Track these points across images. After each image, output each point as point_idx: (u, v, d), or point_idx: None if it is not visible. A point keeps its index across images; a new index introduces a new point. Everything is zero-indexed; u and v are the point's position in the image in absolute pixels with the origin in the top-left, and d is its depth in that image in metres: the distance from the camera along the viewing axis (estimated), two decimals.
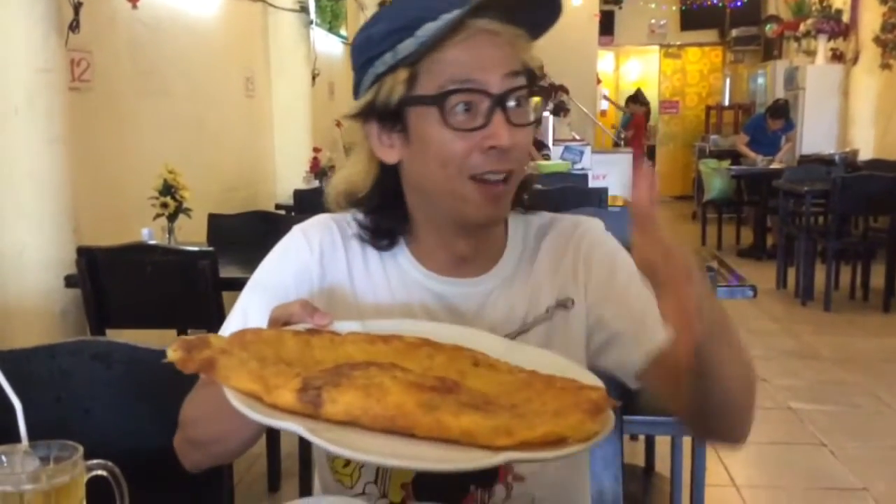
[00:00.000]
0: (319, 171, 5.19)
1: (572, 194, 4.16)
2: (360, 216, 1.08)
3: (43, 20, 2.66)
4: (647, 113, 14.43)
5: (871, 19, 7.97)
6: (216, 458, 1.04)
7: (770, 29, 10.47)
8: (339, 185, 1.08)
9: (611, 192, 4.64)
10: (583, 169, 6.77)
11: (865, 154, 7.97)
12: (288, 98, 5.59)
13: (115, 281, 2.63)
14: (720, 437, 1.01)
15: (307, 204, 4.35)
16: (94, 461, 0.87)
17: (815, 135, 8.59)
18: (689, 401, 0.90)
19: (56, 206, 2.75)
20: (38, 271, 2.74)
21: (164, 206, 3.08)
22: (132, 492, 0.90)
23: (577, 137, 9.38)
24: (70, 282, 2.72)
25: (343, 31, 6.89)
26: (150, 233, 3.02)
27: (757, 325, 5.42)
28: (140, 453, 1.11)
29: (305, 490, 2.63)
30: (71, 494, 0.83)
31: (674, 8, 13.59)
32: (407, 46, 0.95)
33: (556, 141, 8.38)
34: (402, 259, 1.08)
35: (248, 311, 1.06)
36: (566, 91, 10.03)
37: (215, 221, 3.57)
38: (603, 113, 13.21)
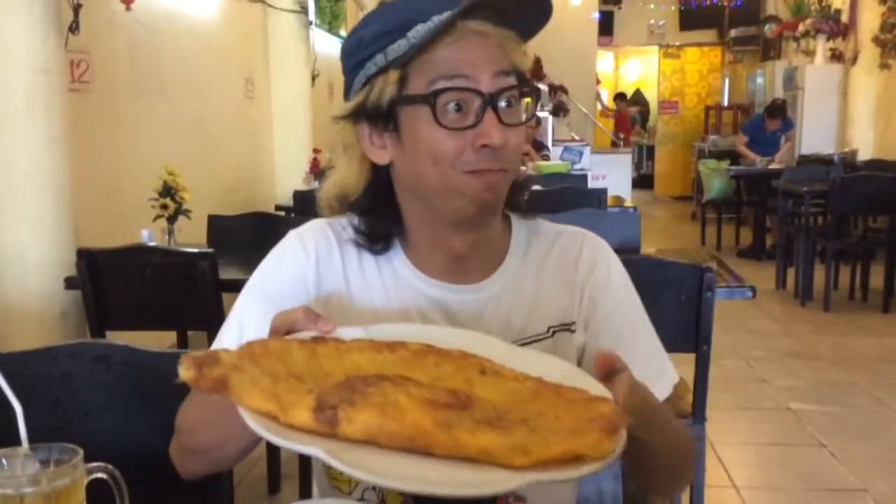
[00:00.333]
0: (319, 171, 5.19)
1: (571, 195, 4.16)
2: (356, 220, 1.08)
3: (42, 21, 2.66)
4: (646, 112, 14.50)
5: (869, 19, 7.97)
6: (214, 466, 1.04)
7: (769, 29, 10.47)
8: (330, 189, 1.08)
9: (610, 193, 4.64)
10: (582, 169, 6.78)
11: (864, 154, 7.97)
12: (287, 99, 5.59)
13: (115, 283, 2.63)
14: (656, 492, 1.12)
15: (307, 205, 4.35)
16: (95, 464, 0.88)
17: (814, 135, 8.59)
18: (630, 460, 0.98)
19: (56, 207, 2.76)
20: (38, 273, 2.74)
21: (164, 207, 3.08)
22: (132, 494, 0.90)
23: (577, 138, 9.39)
24: (70, 283, 2.72)
25: (343, 32, 6.89)
26: (149, 234, 3.02)
27: (756, 325, 5.42)
28: (140, 456, 1.11)
29: (305, 493, 2.63)
30: (71, 497, 0.83)
31: (673, 8, 13.61)
32: (398, 48, 0.96)
33: (555, 141, 8.39)
34: (398, 263, 1.08)
35: (243, 317, 1.06)
36: (565, 91, 10.04)
37: (215, 223, 3.57)
38: (602, 113, 13.21)
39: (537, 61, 8.89)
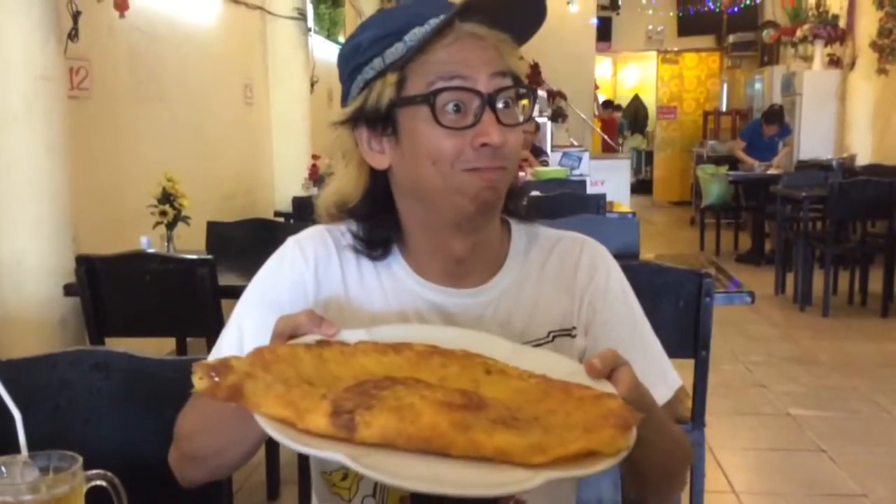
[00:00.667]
0: (318, 177, 5.19)
1: (570, 200, 4.16)
2: (354, 226, 1.08)
3: (42, 29, 2.67)
4: (645, 117, 14.59)
5: (867, 24, 7.99)
6: (214, 473, 1.04)
7: (767, 34, 10.51)
8: (329, 196, 1.08)
9: (609, 198, 4.65)
10: (581, 175, 6.78)
11: (863, 159, 7.98)
12: (286, 105, 5.59)
13: (114, 289, 2.63)
14: (652, 495, 1.09)
15: (306, 211, 4.34)
16: (94, 471, 0.88)
17: (812, 140, 8.60)
18: (627, 463, 0.98)
19: (55, 214, 2.76)
20: (36, 280, 2.74)
21: (163, 213, 3.08)
22: (131, 501, 0.91)
23: (576, 143, 9.40)
24: (69, 290, 2.72)
25: (341, 38, 6.91)
26: (148, 241, 3.03)
27: (755, 330, 5.42)
28: (139, 463, 1.11)
29: (304, 499, 2.62)
30: None
31: (671, 14, 13.64)
32: (395, 51, 0.97)
33: (554, 147, 8.39)
34: (397, 268, 1.08)
35: (243, 324, 1.06)
36: (564, 97, 10.06)
37: (214, 229, 3.57)
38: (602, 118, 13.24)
39: (535, 67, 8.90)
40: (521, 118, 1.01)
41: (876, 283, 5.93)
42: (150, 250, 2.93)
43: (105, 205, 3.44)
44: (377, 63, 0.99)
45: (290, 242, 1.10)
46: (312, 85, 5.79)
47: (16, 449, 0.86)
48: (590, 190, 5.57)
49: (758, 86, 10.89)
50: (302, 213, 4.45)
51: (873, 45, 7.81)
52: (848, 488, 3.12)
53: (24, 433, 0.86)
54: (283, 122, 5.60)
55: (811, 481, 3.20)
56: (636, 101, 15.00)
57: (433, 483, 0.69)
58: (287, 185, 5.45)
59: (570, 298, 1.09)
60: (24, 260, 2.71)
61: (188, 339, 3.02)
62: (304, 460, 2.67)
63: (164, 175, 3.12)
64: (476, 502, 1.02)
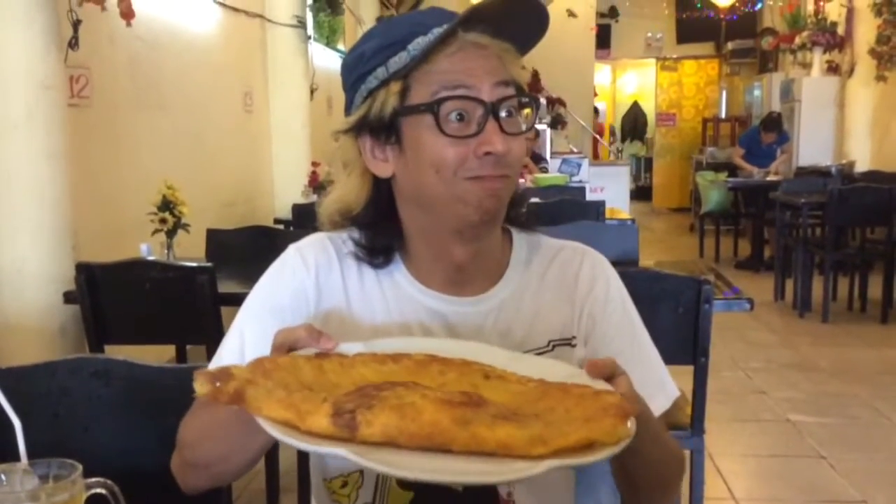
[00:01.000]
0: (318, 185, 5.19)
1: (570, 207, 4.17)
2: (356, 234, 1.08)
3: (42, 37, 2.68)
4: (644, 124, 14.63)
5: (865, 31, 8.00)
6: (217, 480, 1.04)
7: (766, 42, 10.52)
8: (331, 204, 1.09)
9: (608, 205, 4.65)
10: (580, 181, 6.78)
11: (862, 166, 7.99)
12: (286, 113, 5.60)
13: (114, 297, 2.63)
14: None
15: (306, 218, 4.35)
16: (94, 479, 0.88)
17: (811, 147, 8.61)
18: (621, 472, 1.01)
19: (55, 221, 2.76)
20: (36, 287, 2.74)
21: (163, 221, 3.08)
22: None
23: (575, 150, 9.42)
24: (69, 298, 2.72)
25: (341, 46, 6.93)
26: (148, 248, 3.03)
27: (755, 337, 5.42)
28: (139, 470, 1.11)
29: None
30: None
31: (670, 21, 13.66)
32: (399, 60, 0.98)
33: (553, 153, 8.41)
34: (399, 276, 1.08)
35: (244, 332, 1.06)
36: (563, 104, 10.09)
37: (214, 236, 3.57)
38: (601, 127, 13.27)
39: (535, 74, 8.93)
40: (523, 127, 1.02)
41: (875, 289, 5.93)
42: (150, 258, 2.94)
43: (105, 212, 3.45)
44: (381, 72, 0.99)
45: (291, 250, 1.11)
46: (312, 92, 5.80)
47: (15, 457, 0.86)
48: (589, 197, 5.57)
49: (757, 93, 10.91)
50: (302, 221, 4.45)
51: (872, 52, 7.82)
52: (848, 495, 3.12)
53: (23, 441, 0.86)
54: (283, 129, 5.61)
55: (811, 488, 3.19)
56: (635, 108, 15.04)
57: (437, 473, 0.70)
58: (287, 192, 5.46)
59: (571, 308, 1.09)
60: (24, 267, 2.72)
61: (188, 347, 3.02)
62: (303, 468, 2.66)
63: (164, 182, 3.12)
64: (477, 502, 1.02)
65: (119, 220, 3.52)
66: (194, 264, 2.67)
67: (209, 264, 2.66)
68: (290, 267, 1.09)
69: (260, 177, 5.51)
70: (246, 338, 1.05)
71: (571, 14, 10.91)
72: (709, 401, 2.29)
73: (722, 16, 12.62)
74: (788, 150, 8.36)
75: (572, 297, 1.10)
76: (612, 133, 13.75)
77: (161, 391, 1.26)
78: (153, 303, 2.64)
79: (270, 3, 5.44)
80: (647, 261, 3.42)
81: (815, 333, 5.54)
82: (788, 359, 4.98)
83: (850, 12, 8.32)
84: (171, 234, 3.11)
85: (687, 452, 2.32)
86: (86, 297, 2.59)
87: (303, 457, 2.08)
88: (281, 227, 4.65)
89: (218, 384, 0.76)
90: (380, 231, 1.07)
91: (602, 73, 14.60)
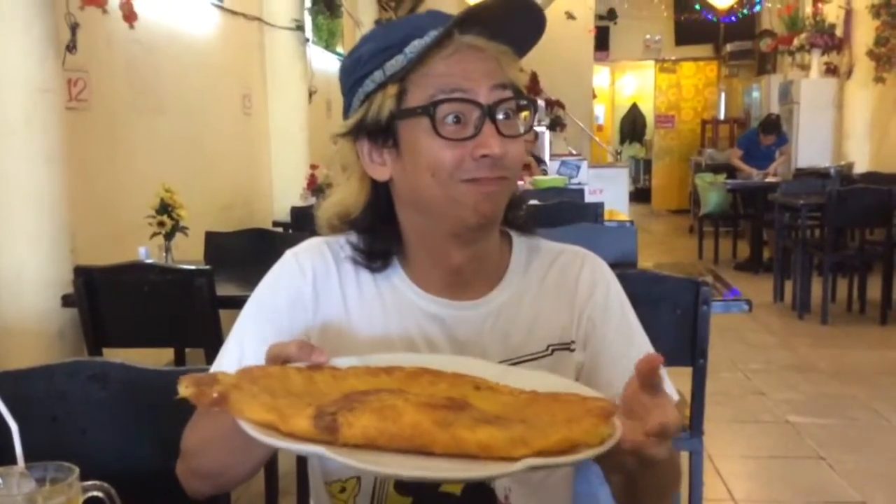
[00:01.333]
0: (317, 188, 5.19)
1: (568, 209, 4.16)
2: (354, 238, 1.08)
3: (40, 41, 2.68)
4: (643, 126, 14.62)
5: (863, 33, 8.02)
6: (221, 487, 1.05)
7: (764, 43, 10.53)
8: (330, 208, 1.09)
9: (607, 207, 4.65)
10: (579, 184, 6.78)
11: (861, 167, 8.00)
12: (285, 115, 5.60)
13: (113, 300, 2.63)
14: None
15: (304, 221, 4.35)
16: (90, 482, 0.88)
17: (810, 148, 8.61)
18: (620, 485, 1.00)
19: (53, 225, 2.76)
20: (35, 291, 2.74)
21: (161, 224, 3.08)
22: None
23: (574, 152, 9.42)
24: (67, 301, 2.72)
25: (339, 49, 6.93)
26: (146, 251, 3.02)
27: (754, 338, 5.42)
28: (136, 474, 1.11)
29: None
30: None
31: (668, 23, 13.68)
32: (395, 63, 0.98)
33: (552, 156, 8.41)
34: (397, 280, 1.08)
35: (243, 340, 1.06)
36: (562, 106, 10.09)
37: (212, 239, 3.57)
38: (599, 128, 13.27)
39: (533, 76, 8.93)
40: (521, 129, 1.01)
41: (874, 290, 5.93)
42: (149, 261, 2.93)
43: (103, 216, 3.44)
44: (378, 75, 0.99)
45: (288, 256, 1.10)
46: (310, 95, 5.80)
47: (12, 460, 0.86)
48: (588, 198, 5.57)
49: (755, 94, 10.92)
50: (300, 223, 4.45)
51: (870, 53, 7.83)
52: (847, 496, 3.12)
53: (20, 444, 0.86)
54: (282, 132, 5.60)
55: (810, 489, 3.20)
56: (634, 110, 15.05)
57: (417, 469, 0.70)
58: (285, 195, 5.45)
59: (570, 313, 1.09)
60: (22, 271, 2.71)
61: (186, 350, 3.02)
62: (303, 471, 2.66)
63: (163, 186, 3.12)
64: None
65: (117, 224, 3.51)
66: (192, 267, 2.67)
67: (207, 267, 2.65)
68: (287, 274, 1.08)
69: (258, 180, 5.51)
70: (245, 347, 1.05)
71: (570, 16, 10.97)
72: (708, 402, 2.29)
73: (720, 17, 12.64)
74: (787, 152, 8.36)
75: (572, 301, 1.09)
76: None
77: (159, 394, 1.25)
78: (151, 306, 2.64)
79: (269, 6, 5.44)
80: (646, 262, 3.42)
81: (814, 335, 5.55)
82: (787, 360, 4.98)
83: (849, 14, 8.34)
84: (169, 237, 3.11)
85: (686, 454, 2.32)
86: (84, 301, 2.59)
87: (302, 460, 2.08)
88: (280, 229, 4.65)
89: (202, 387, 0.76)
90: (378, 235, 1.06)
91: (601, 76, 14.61)
